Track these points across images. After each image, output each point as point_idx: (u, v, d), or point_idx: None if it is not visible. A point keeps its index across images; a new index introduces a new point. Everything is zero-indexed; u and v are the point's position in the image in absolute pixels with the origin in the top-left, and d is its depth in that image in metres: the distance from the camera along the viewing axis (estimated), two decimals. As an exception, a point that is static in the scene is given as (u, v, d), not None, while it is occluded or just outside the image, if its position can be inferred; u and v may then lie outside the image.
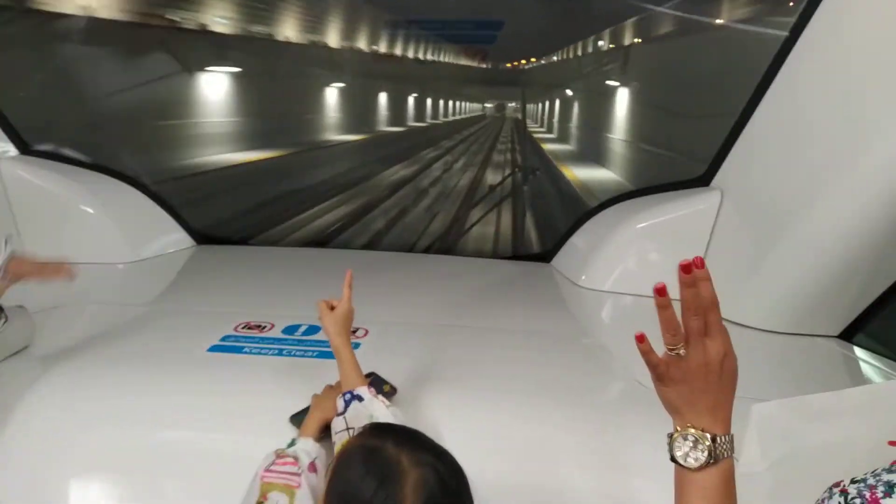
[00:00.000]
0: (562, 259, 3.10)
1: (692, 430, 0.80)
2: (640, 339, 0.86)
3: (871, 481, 0.80)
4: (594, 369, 1.92)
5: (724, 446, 0.80)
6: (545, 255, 3.23)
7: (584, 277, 2.78)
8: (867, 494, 0.78)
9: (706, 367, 0.81)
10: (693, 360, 0.81)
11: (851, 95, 1.98)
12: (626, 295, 2.65)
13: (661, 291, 0.81)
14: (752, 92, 2.40)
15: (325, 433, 1.41)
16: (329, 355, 1.80)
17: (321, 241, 3.54)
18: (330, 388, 1.56)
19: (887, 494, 0.76)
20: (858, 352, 2.14)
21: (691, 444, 0.80)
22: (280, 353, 1.83)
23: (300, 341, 1.93)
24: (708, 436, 0.79)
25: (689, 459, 0.80)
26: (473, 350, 1.98)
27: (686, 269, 0.80)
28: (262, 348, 1.84)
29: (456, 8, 3.50)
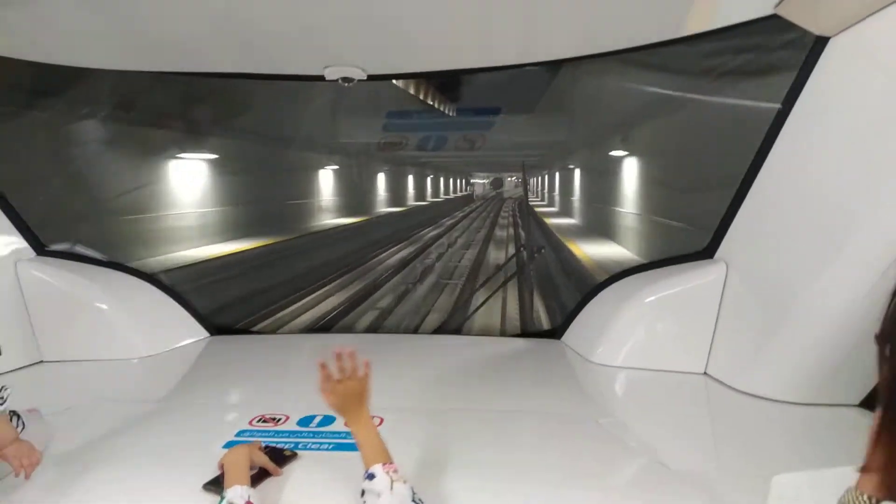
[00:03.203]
0: (572, 335, 3.09)
1: None
2: None
3: None
4: (614, 452, 1.89)
5: None
6: (554, 332, 3.22)
7: (595, 353, 2.77)
8: None
9: None
10: None
11: (850, 161, 2.00)
12: (639, 370, 2.63)
13: None
14: (750, 163, 2.44)
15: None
16: (345, 447, 1.81)
17: (328, 324, 3.59)
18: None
19: None
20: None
21: None
22: (296, 446, 1.81)
23: (315, 433, 1.92)
24: None
25: None
26: (490, 435, 1.96)
27: None
28: (277, 442, 1.83)
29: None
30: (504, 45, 2.37)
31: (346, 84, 2.41)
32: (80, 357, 2.79)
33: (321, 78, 2.41)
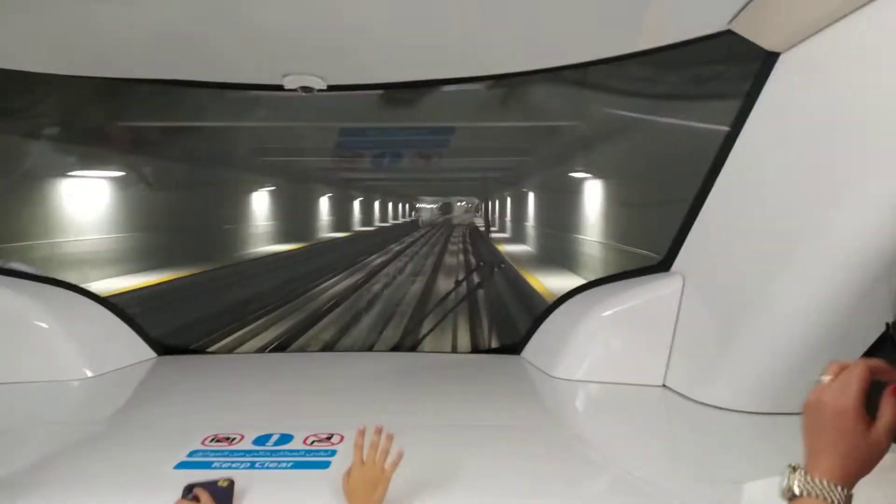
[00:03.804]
0: (531, 350, 3.08)
1: None
2: None
3: None
4: (579, 466, 1.88)
5: None
6: (514, 347, 3.21)
7: (555, 367, 2.76)
8: None
9: None
10: None
11: (801, 173, 2.03)
12: (599, 383, 2.63)
13: None
14: (704, 178, 2.47)
15: None
16: (304, 465, 1.74)
17: (281, 345, 3.51)
18: None
19: None
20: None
21: None
22: (252, 465, 1.73)
23: (273, 452, 1.83)
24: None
25: None
26: (454, 451, 1.91)
27: None
28: (233, 462, 1.74)
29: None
30: (466, 57, 2.37)
31: (305, 94, 2.37)
32: (16, 379, 2.61)
33: (280, 87, 2.36)
